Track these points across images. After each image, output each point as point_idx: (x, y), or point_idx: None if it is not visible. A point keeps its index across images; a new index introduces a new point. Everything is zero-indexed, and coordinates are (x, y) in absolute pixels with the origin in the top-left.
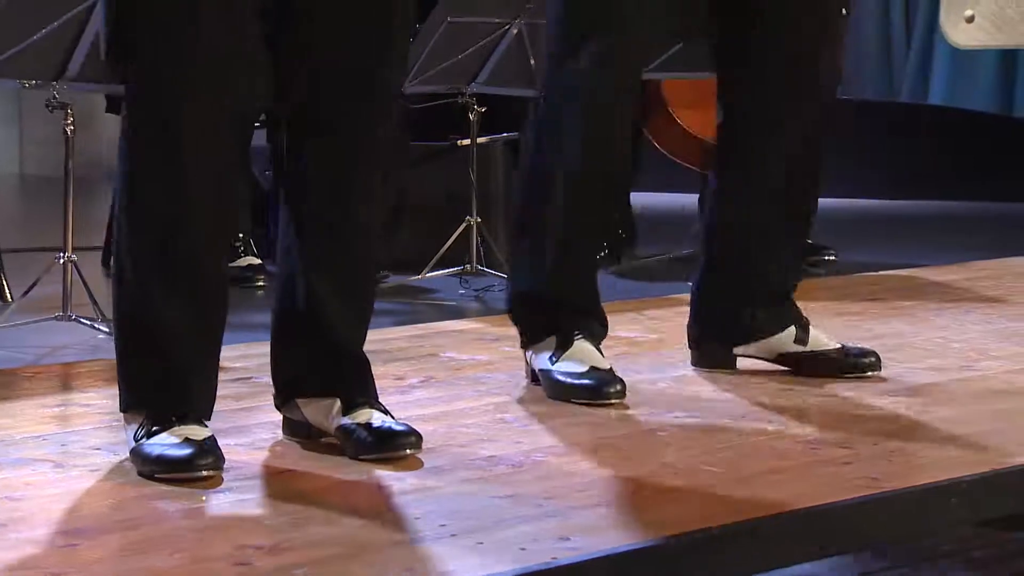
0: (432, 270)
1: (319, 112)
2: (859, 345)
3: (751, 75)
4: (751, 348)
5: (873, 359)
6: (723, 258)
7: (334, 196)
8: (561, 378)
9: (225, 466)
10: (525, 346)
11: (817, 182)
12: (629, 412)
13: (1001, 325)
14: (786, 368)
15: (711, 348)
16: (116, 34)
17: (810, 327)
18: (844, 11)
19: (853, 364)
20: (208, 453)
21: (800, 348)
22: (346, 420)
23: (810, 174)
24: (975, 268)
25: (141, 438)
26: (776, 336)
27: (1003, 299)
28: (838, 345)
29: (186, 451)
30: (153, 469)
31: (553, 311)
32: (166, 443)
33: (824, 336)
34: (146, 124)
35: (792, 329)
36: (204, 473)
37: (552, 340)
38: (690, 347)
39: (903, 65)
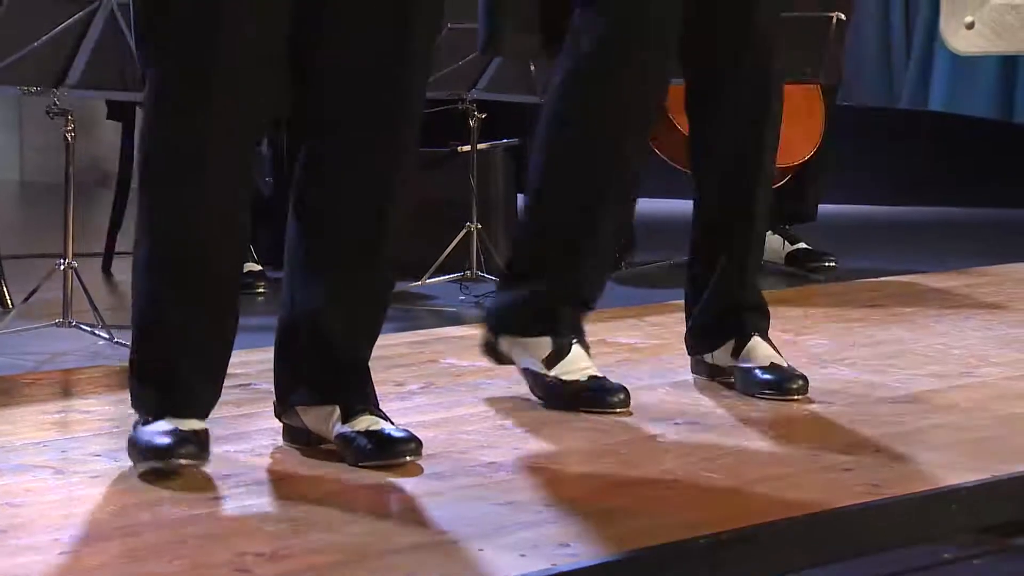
0: (432, 276)
1: (323, 112)
2: (793, 367)
3: (709, 75)
4: (713, 358)
5: (800, 383)
6: (691, 265)
7: (339, 198)
8: (562, 386)
9: (225, 472)
10: (500, 332)
11: (768, 186)
12: (629, 419)
13: (1001, 331)
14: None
15: (695, 358)
16: (140, 36)
17: (751, 339)
18: (844, 17)
19: (776, 386)
20: (188, 442)
21: (733, 362)
22: (346, 428)
23: (760, 179)
24: (975, 274)
25: (137, 426)
26: (719, 349)
27: (1003, 305)
28: (768, 363)
29: (167, 440)
30: (138, 457)
31: (552, 310)
32: (155, 431)
33: (763, 350)
34: (165, 127)
35: (731, 343)
36: (182, 462)
37: (546, 342)
38: (689, 354)
39: (903, 71)
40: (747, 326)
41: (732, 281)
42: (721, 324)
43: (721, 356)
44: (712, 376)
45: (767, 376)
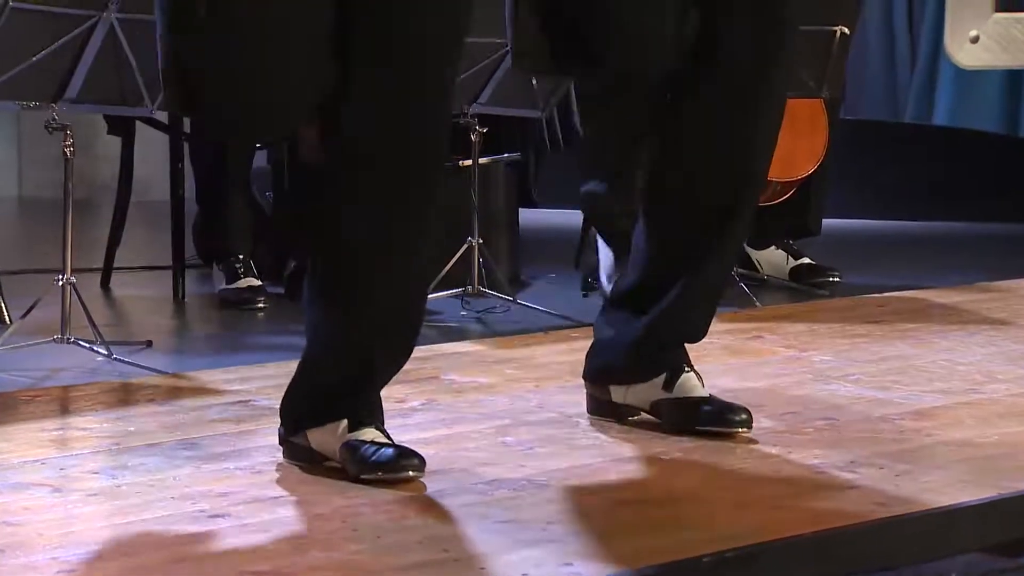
0: (433, 291)
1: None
2: (729, 400)
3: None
4: (628, 394)
5: (744, 416)
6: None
7: None
8: None
9: (225, 490)
10: None
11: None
12: (633, 436)
13: (1007, 347)
14: (655, 419)
15: (598, 398)
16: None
17: (683, 373)
18: (848, 30)
19: (718, 417)
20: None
21: (665, 394)
22: (351, 437)
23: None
24: (981, 290)
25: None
26: (649, 382)
27: (1009, 321)
28: (706, 394)
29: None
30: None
31: None
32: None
33: (696, 382)
34: None
35: (663, 376)
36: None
37: None
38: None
39: (907, 85)
40: (678, 358)
41: (688, 307)
42: (659, 356)
43: (640, 392)
44: (617, 418)
45: (709, 408)
